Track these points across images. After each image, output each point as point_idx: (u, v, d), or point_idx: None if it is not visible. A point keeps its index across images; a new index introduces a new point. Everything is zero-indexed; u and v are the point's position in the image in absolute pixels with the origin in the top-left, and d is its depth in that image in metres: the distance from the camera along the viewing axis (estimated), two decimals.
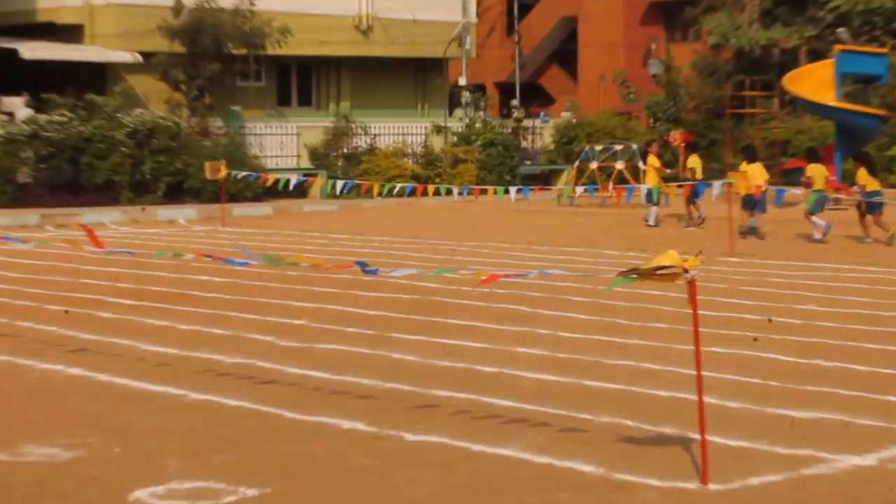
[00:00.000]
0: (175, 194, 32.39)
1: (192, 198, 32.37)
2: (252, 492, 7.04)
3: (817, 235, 22.05)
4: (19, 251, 19.43)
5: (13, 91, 32.76)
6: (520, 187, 24.80)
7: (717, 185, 21.78)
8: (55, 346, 11.78)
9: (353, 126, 36.95)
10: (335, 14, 38.26)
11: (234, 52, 35.27)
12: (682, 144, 28.36)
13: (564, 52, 59.14)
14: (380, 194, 25.70)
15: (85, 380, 10.20)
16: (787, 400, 9.17)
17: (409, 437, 8.20)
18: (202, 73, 34.54)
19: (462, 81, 40.96)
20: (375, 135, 37.20)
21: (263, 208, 31.71)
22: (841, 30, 40.94)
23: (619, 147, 34.98)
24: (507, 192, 23.21)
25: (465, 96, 40.43)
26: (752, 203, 23.18)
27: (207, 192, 31.74)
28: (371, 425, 8.50)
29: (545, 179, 39.67)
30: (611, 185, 29.93)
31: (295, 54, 37.28)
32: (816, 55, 39.85)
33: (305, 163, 36.72)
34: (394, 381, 9.98)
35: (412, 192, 24.98)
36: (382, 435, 8.26)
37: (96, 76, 35.36)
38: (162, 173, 32.24)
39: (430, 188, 24.71)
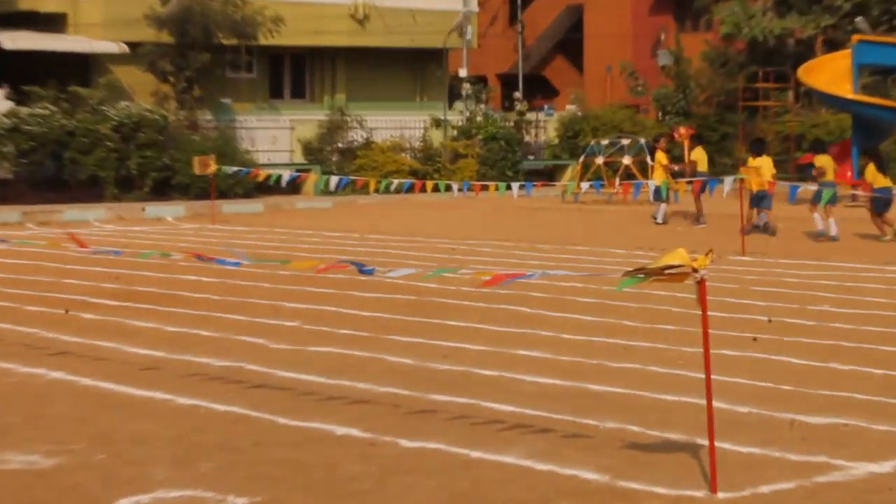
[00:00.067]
0: (162, 191, 32.44)
1: (180, 194, 32.41)
2: (241, 501, 7.06)
3: (821, 227, 22.07)
4: None
5: None
6: (522, 183, 24.84)
7: (728, 181, 21.79)
8: (36, 348, 11.79)
9: (349, 119, 36.99)
10: (330, 2, 38.30)
11: (225, 42, 35.32)
12: (688, 138, 28.37)
13: (570, 42, 59.18)
14: (376, 191, 25.73)
15: (68, 384, 10.21)
16: (800, 405, 9.19)
17: (405, 443, 8.22)
18: (191, 64, 34.58)
19: (462, 73, 41.00)
20: (372, 129, 37.23)
21: (255, 205, 31.73)
22: (859, 19, 40.94)
23: (626, 141, 35.00)
24: (509, 188, 23.24)
25: (466, 88, 40.46)
26: (759, 199, 23.18)
27: (196, 188, 31.78)
28: (366, 431, 8.51)
29: (549, 175, 39.70)
30: (617, 182, 29.98)
31: (288, 44, 37.31)
32: (833, 45, 39.86)
33: (299, 158, 36.76)
34: (389, 385, 10.00)
35: (410, 189, 25.01)
36: (378, 441, 8.28)
37: (80, 67, 35.40)
38: (149, 169, 32.28)
39: (429, 184, 24.72)
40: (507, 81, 55.45)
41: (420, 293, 15.11)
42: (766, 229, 23.32)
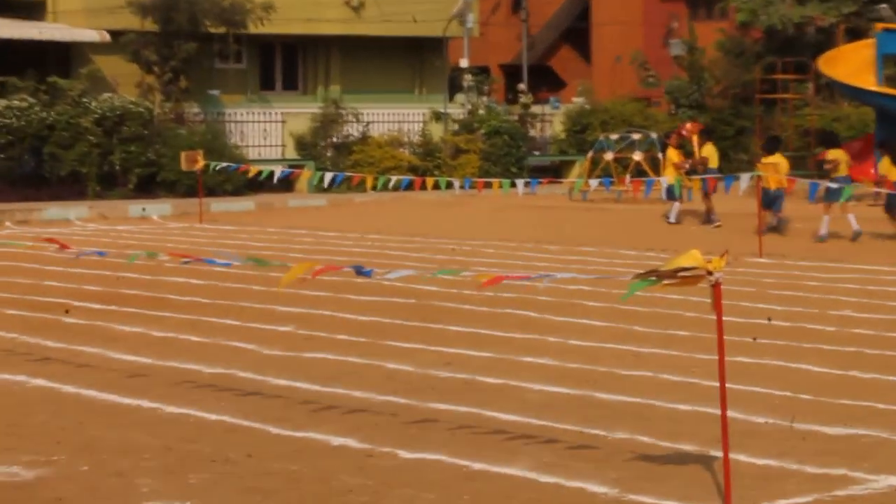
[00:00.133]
0: (147, 187, 32.49)
1: (166, 191, 32.47)
2: None
3: (824, 231, 22.15)
4: None
5: None
6: (527, 180, 24.85)
7: (744, 179, 21.84)
8: (17, 354, 11.85)
9: (344, 113, 37.00)
10: None
11: (212, 30, 35.33)
12: (696, 134, 28.40)
13: (576, 30, 59.18)
14: (373, 188, 25.81)
15: (50, 392, 10.27)
16: (819, 415, 9.24)
17: (404, 454, 8.28)
18: (177, 54, 34.60)
19: (464, 63, 41.00)
20: (368, 122, 37.25)
21: (245, 203, 31.77)
22: (883, 6, 40.96)
23: (636, 136, 35.04)
24: (513, 185, 23.27)
25: (467, 80, 40.47)
26: (772, 200, 23.20)
27: (183, 185, 31.84)
28: (363, 442, 8.57)
29: (555, 172, 39.71)
30: (627, 178, 29.95)
31: (279, 33, 37.32)
32: (855, 34, 39.86)
33: (291, 153, 36.79)
34: (388, 393, 10.06)
35: (409, 186, 25.07)
36: (376, 452, 8.33)
37: (60, 57, 35.42)
38: (133, 164, 32.34)
39: (429, 181, 24.77)
40: (511, 72, 55.44)
41: (420, 296, 15.16)
42: (778, 228, 23.37)
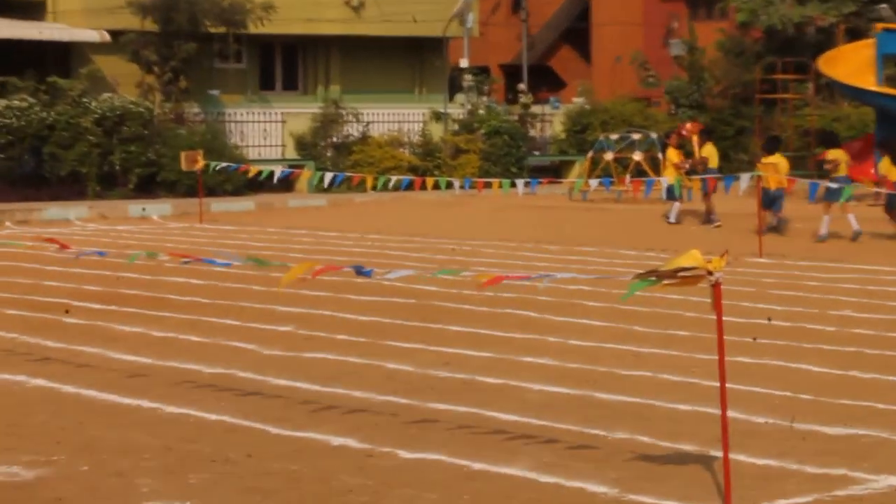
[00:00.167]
0: (147, 187, 32.50)
1: (166, 191, 32.48)
2: None
3: (824, 232, 22.17)
4: None
5: None
6: (527, 180, 24.85)
7: (745, 179, 21.85)
8: (17, 354, 11.86)
9: (344, 113, 37.02)
10: None
11: (212, 30, 35.35)
12: (696, 134, 28.41)
13: (577, 30, 59.21)
14: (373, 188, 25.82)
15: (50, 392, 10.28)
16: (820, 415, 9.25)
17: (404, 454, 8.28)
18: (177, 54, 34.62)
19: (464, 63, 41.02)
20: (368, 122, 37.26)
21: (245, 203, 31.78)
22: (883, 6, 40.97)
23: (636, 136, 35.05)
24: (513, 185, 23.28)
25: (467, 80, 40.49)
26: (773, 200, 23.21)
27: (183, 185, 31.85)
28: (363, 442, 8.58)
29: (555, 172, 39.72)
30: (627, 178, 29.96)
31: (279, 33, 37.34)
32: (855, 34, 39.87)
33: (291, 153, 36.81)
34: (388, 393, 10.06)
35: (409, 186, 25.08)
36: (376, 452, 8.34)
37: (60, 57, 35.43)
38: (133, 164, 32.35)
39: (429, 181, 24.77)
40: (511, 72, 55.46)
41: (420, 296, 15.17)
42: (777, 228, 23.38)
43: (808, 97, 42.29)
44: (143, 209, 29.80)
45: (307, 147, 36.74)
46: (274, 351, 11.91)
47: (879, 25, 33.56)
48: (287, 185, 33.54)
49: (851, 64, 31.99)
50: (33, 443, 8.62)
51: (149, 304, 14.83)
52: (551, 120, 42.41)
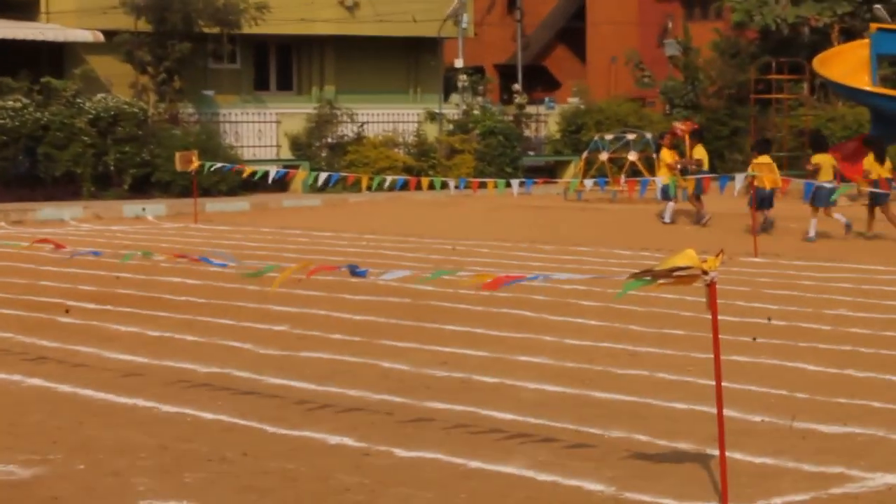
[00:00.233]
0: (142, 188, 32.50)
1: (160, 192, 32.47)
2: None
3: (812, 233, 22.25)
4: None
5: None
6: (522, 180, 24.90)
7: (739, 179, 21.88)
8: (12, 354, 11.86)
9: (339, 113, 37.03)
10: None
11: (206, 30, 35.36)
12: (687, 134, 28.44)
13: (572, 30, 59.23)
14: (368, 188, 25.79)
15: (46, 391, 10.29)
16: (815, 413, 9.27)
17: (401, 453, 8.29)
18: (171, 54, 34.62)
19: (458, 63, 41.03)
20: (363, 122, 37.28)
21: (240, 203, 31.79)
22: (878, 6, 41.01)
23: (631, 136, 35.08)
24: (508, 185, 23.27)
25: (462, 80, 40.51)
26: (765, 199, 23.26)
27: (178, 185, 31.83)
28: (359, 441, 8.59)
29: (550, 172, 39.75)
30: (622, 179, 30.05)
31: (273, 33, 37.35)
32: (850, 34, 39.92)
33: (286, 153, 36.82)
34: (384, 392, 10.08)
35: (404, 186, 25.10)
36: (372, 451, 8.35)
37: (54, 57, 35.42)
38: (127, 165, 32.34)
39: (424, 181, 24.83)
40: (506, 72, 55.47)
41: (415, 296, 15.18)
42: (766, 227, 23.42)
43: (803, 97, 42.33)
44: (143, 209, 29.79)
45: (302, 147, 36.75)
46: (269, 350, 11.92)
47: (874, 25, 33.58)
48: (282, 185, 33.52)
49: (846, 64, 32.02)
50: (29, 442, 8.63)
51: (144, 304, 14.83)
52: (546, 120, 42.45)
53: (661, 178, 25.82)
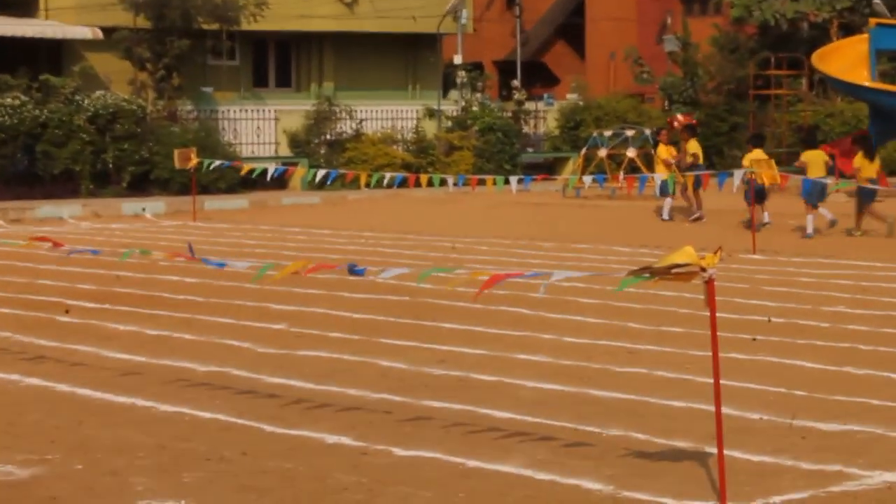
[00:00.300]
0: (141, 185, 32.49)
1: (159, 189, 32.46)
2: None
3: (810, 230, 22.26)
4: None
5: None
6: (521, 177, 24.88)
7: (738, 175, 21.87)
8: (10, 353, 11.86)
9: (337, 110, 37.00)
10: None
11: (205, 27, 35.34)
12: (681, 128, 28.40)
13: (571, 26, 59.24)
14: (367, 185, 25.75)
15: (44, 390, 10.29)
16: (814, 411, 9.27)
17: (399, 452, 8.29)
18: (169, 51, 34.60)
19: (457, 60, 41.02)
20: (362, 119, 37.26)
21: (238, 201, 31.79)
22: (877, 2, 41.03)
23: (630, 133, 35.05)
24: (507, 182, 23.26)
25: (461, 76, 40.49)
26: (757, 194, 23.25)
27: (176, 183, 31.81)
28: (358, 440, 8.59)
29: (549, 168, 39.76)
30: (621, 175, 29.98)
31: (272, 30, 37.34)
32: (849, 30, 39.95)
33: (284, 150, 36.80)
34: (382, 391, 10.08)
35: (402, 183, 25.03)
36: (370, 450, 8.35)
37: (52, 54, 35.41)
38: (126, 162, 32.33)
39: (423, 178, 24.75)
40: (505, 69, 55.47)
41: (414, 294, 15.18)
42: (763, 226, 23.46)
43: (801, 93, 42.35)
44: (143, 209, 29.78)
45: (300, 144, 36.73)
46: (268, 349, 11.93)
47: (873, 21, 33.57)
48: (280, 182, 33.51)
49: (845, 60, 32.00)
50: (27, 442, 8.63)
51: (143, 303, 14.83)
52: (545, 116, 42.43)
53: (661, 174, 25.82)
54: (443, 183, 24.88)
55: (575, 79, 48.47)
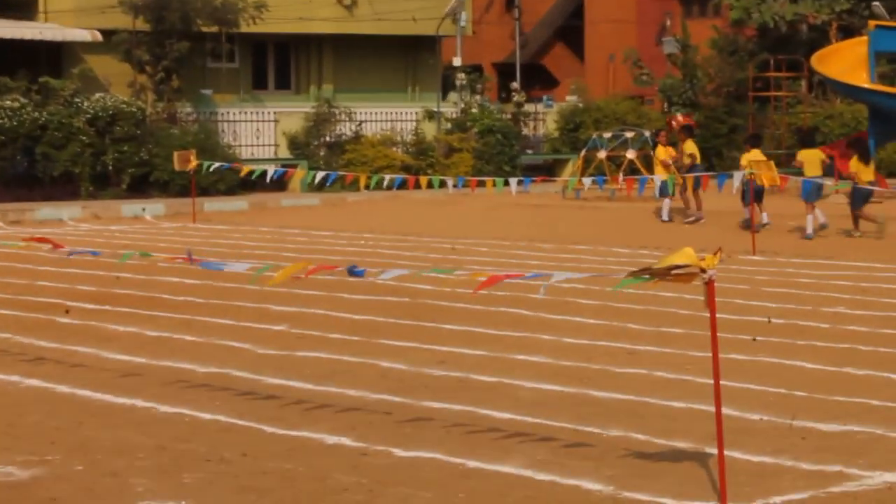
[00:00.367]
0: (140, 187, 32.49)
1: (159, 191, 32.47)
2: None
3: (810, 231, 22.29)
4: None
5: None
6: (521, 179, 24.88)
7: (738, 176, 21.88)
8: (10, 354, 11.86)
9: (337, 112, 37.02)
10: None
11: (205, 29, 35.34)
12: (678, 128, 28.39)
13: (570, 28, 59.26)
14: (366, 187, 25.78)
15: (44, 392, 10.28)
16: (814, 411, 9.27)
17: (399, 453, 8.29)
18: (169, 54, 34.61)
19: (457, 62, 41.04)
20: (361, 121, 37.27)
21: (238, 203, 31.79)
22: (875, 4, 41.04)
23: (629, 134, 35.07)
24: (506, 184, 23.28)
25: (461, 78, 40.51)
26: (760, 195, 23.29)
27: (176, 184, 31.82)
28: (358, 440, 8.59)
29: (549, 170, 39.75)
30: (621, 177, 30.00)
31: (271, 32, 37.35)
32: (848, 32, 39.96)
33: (284, 152, 36.80)
34: (382, 392, 10.08)
35: (402, 185, 25.05)
36: (370, 451, 8.35)
37: (52, 57, 35.41)
38: (126, 164, 32.33)
39: (422, 180, 24.81)
40: (504, 71, 55.49)
41: (414, 295, 15.18)
42: (747, 225, 23.43)
43: (801, 95, 42.36)
44: (143, 209, 29.78)
45: (300, 146, 36.74)
46: (268, 350, 11.92)
47: (872, 23, 33.61)
48: (280, 184, 33.51)
49: (844, 61, 32.04)
50: (27, 443, 8.63)
51: (143, 304, 14.83)
52: (544, 118, 42.45)
53: (660, 175, 25.82)
54: (442, 185, 24.91)
55: (574, 81, 48.48)
